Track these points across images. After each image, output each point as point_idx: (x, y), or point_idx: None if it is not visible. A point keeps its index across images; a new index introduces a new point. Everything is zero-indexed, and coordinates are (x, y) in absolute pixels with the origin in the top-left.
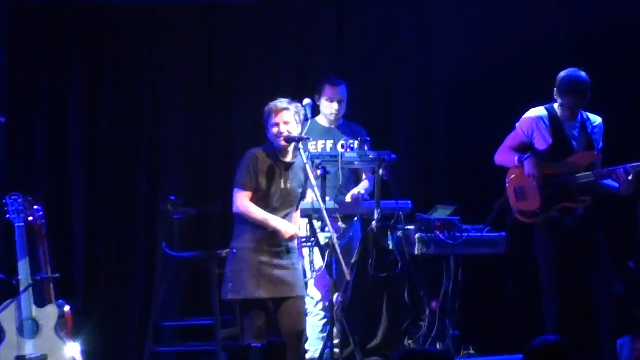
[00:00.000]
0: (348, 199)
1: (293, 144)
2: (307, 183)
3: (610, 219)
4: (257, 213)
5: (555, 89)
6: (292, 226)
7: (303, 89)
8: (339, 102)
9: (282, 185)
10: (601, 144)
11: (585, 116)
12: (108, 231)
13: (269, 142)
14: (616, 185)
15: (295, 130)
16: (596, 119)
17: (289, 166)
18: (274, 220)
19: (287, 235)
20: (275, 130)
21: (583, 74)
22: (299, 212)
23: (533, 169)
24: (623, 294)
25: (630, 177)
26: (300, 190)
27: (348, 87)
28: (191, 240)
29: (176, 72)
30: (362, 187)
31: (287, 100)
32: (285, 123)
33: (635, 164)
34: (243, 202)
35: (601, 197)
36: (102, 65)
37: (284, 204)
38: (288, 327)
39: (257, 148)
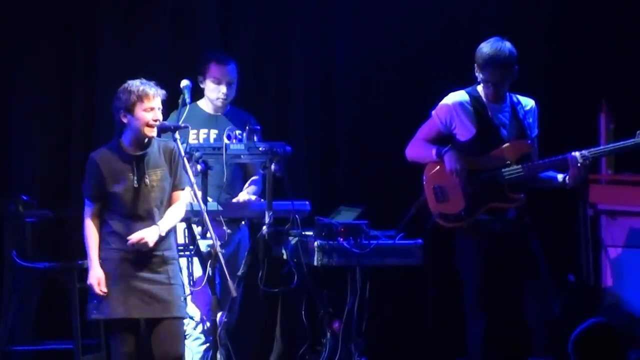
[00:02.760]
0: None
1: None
2: (177, 166)
3: (547, 222)
4: (88, 241)
5: (475, 63)
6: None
7: (178, 68)
8: (228, 84)
9: (137, 184)
10: (536, 131)
11: (515, 99)
12: None
13: (115, 136)
14: (557, 177)
15: (161, 119)
16: (528, 102)
17: (140, 158)
18: (94, 258)
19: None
20: (149, 116)
21: (507, 44)
22: (184, 195)
23: (455, 164)
24: (561, 314)
25: (586, 163)
26: (166, 182)
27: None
28: (47, 248)
29: (26, 42)
30: (251, 191)
31: (153, 82)
32: (158, 109)
33: (593, 149)
34: (86, 220)
35: (537, 196)
36: None
37: (145, 202)
38: (161, 354)
39: (99, 150)
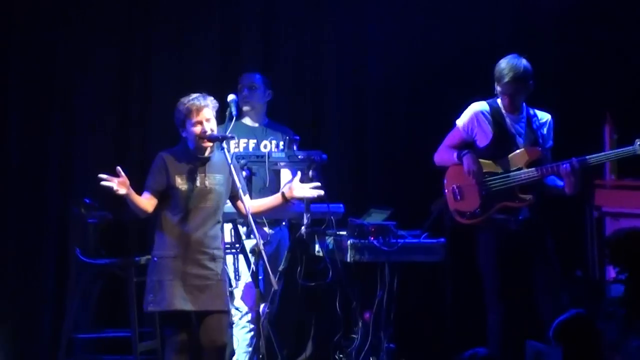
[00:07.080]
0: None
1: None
2: (234, 179)
3: (556, 223)
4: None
5: (494, 76)
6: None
7: (226, 84)
8: (249, 88)
9: (199, 184)
10: (550, 143)
11: (531, 112)
12: (16, 236)
13: (182, 141)
14: (561, 184)
15: (215, 126)
16: (544, 116)
17: (205, 161)
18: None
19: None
20: (198, 129)
21: (524, 60)
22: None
23: (472, 165)
24: (569, 306)
25: (575, 173)
26: (222, 187)
27: (270, 80)
28: (107, 246)
29: (89, 63)
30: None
31: (201, 95)
32: (207, 120)
33: (580, 158)
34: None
35: (547, 198)
36: (6, 51)
37: (202, 202)
38: (208, 343)
39: (167, 149)
